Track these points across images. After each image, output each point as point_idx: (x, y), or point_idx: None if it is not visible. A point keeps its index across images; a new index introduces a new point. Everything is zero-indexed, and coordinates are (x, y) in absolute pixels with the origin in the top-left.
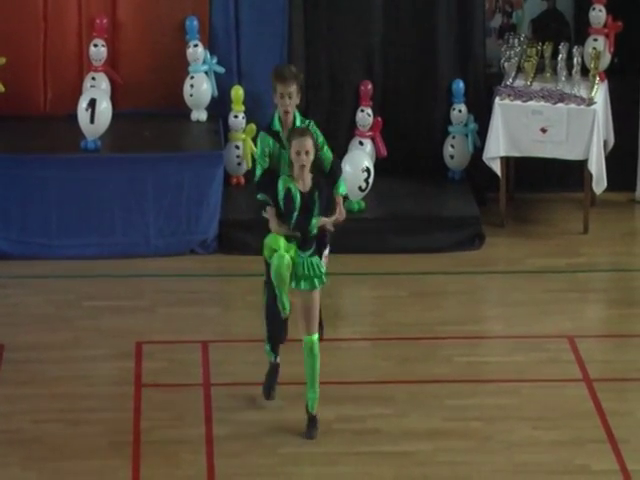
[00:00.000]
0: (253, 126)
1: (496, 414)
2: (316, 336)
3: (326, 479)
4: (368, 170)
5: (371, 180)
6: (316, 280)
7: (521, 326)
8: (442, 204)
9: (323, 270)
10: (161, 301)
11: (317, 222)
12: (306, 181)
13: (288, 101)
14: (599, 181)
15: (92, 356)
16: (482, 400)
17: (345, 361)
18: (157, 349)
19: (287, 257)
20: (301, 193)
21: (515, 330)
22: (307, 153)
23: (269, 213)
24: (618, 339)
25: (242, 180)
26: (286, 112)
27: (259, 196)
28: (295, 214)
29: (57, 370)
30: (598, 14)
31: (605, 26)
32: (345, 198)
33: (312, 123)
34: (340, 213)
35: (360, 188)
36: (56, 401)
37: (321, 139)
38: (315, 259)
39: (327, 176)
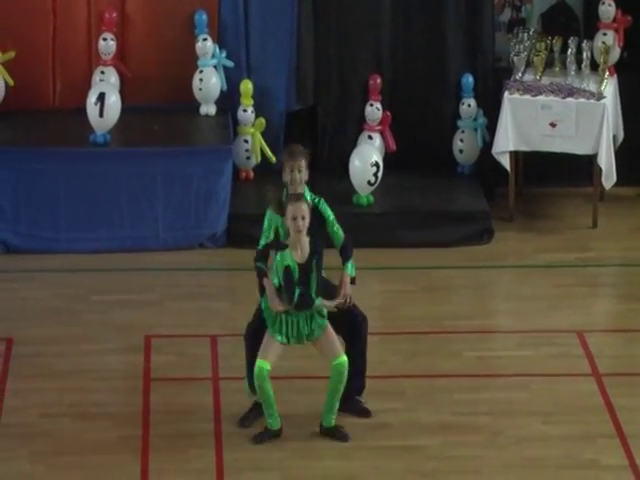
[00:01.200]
0: (262, 120)
1: (505, 409)
2: (344, 357)
3: (335, 473)
4: (377, 164)
5: (380, 174)
6: (320, 323)
7: (530, 321)
8: (451, 198)
9: (324, 312)
10: (170, 295)
11: (320, 303)
12: (304, 248)
13: (298, 175)
14: (608, 176)
15: (101, 350)
16: (491, 395)
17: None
18: (166, 343)
19: (267, 368)
20: (299, 265)
21: (524, 325)
22: (303, 218)
23: (268, 290)
24: (627, 334)
25: (251, 174)
26: (296, 185)
27: (258, 264)
28: (297, 291)
29: (66, 364)
30: (607, 8)
31: (614, 20)
32: (352, 281)
33: (322, 200)
34: (344, 296)
35: (369, 182)
36: (65, 395)
37: (332, 217)
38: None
39: (340, 253)
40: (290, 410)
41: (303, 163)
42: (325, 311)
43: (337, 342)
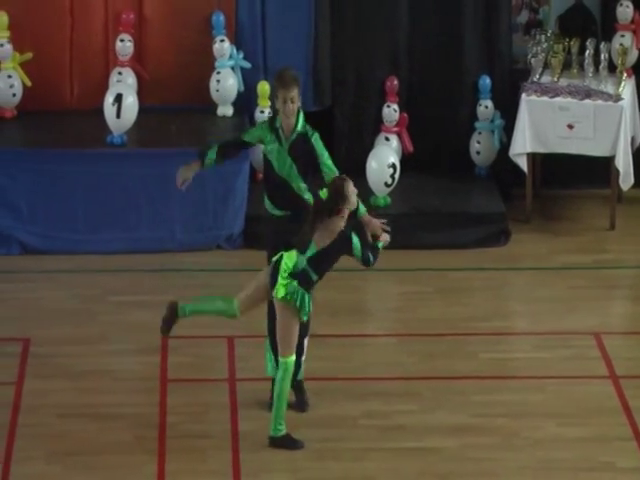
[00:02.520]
0: None
1: (521, 410)
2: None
3: (351, 475)
4: (394, 166)
5: (397, 176)
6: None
7: (547, 322)
8: (468, 200)
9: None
10: (187, 296)
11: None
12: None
13: (291, 105)
14: (626, 177)
15: (118, 351)
16: (507, 396)
17: (370, 357)
18: (183, 344)
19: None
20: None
21: (541, 326)
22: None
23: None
24: None
25: None
26: (290, 116)
27: (210, 149)
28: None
29: (83, 365)
30: (625, 10)
31: (632, 22)
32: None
33: (315, 134)
34: (376, 227)
35: (386, 184)
36: (82, 396)
37: (325, 153)
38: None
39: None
40: (306, 412)
41: (296, 92)
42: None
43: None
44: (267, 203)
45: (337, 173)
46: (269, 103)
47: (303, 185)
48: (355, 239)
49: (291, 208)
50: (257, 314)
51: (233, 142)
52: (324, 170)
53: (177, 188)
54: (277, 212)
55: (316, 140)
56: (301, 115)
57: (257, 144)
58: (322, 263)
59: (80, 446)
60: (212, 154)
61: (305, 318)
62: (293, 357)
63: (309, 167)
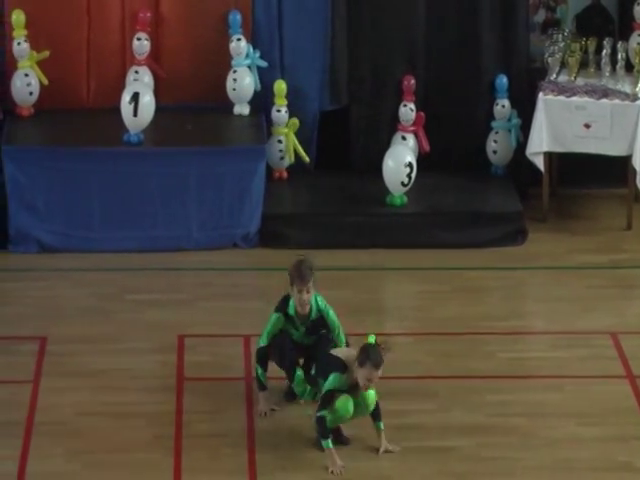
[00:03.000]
0: (296, 120)
1: (539, 410)
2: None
3: (367, 474)
4: (410, 165)
5: (413, 175)
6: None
7: (564, 322)
8: (485, 199)
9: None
10: (203, 295)
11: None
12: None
13: (307, 296)
14: None
15: (134, 349)
16: (524, 396)
17: (387, 356)
18: (199, 342)
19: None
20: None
21: (558, 326)
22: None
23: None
24: None
25: (284, 174)
26: (305, 306)
27: (258, 370)
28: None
29: (99, 363)
30: None
31: None
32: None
33: (331, 311)
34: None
35: (402, 183)
36: (99, 394)
37: (338, 327)
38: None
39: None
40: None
41: (311, 283)
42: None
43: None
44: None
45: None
46: (285, 102)
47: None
48: None
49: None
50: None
51: (263, 353)
52: (337, 342)
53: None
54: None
55: (332, 316)
56: (313, 297)
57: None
58: None
59: (97, 444)
60: (260, 372)
61: None
62: None
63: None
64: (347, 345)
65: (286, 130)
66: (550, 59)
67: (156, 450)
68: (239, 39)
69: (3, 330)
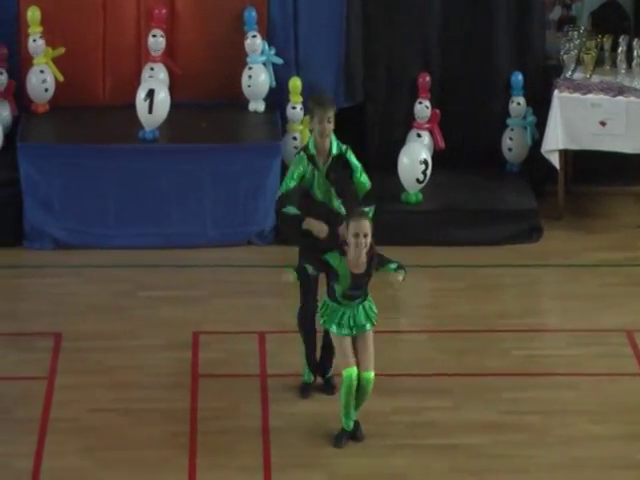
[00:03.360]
0: None
1: (553, 408)
2: (371, 374)
3: (381, 471)
4: (426, 162)
5: (429, 172)
6: (368, 325)
7: (579, 320)
8: (500, 197)
9: (374, 312)
10: (218, 292)
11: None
12: (361, 265)
13: (327, 125)
14: None
15: (149, 346)
16: (539, 393)
17: (402, 353)
18: (214, 339)
19: (355, 372)
20: (353, 274)
21: (573, 323)
22: (365, 236)
23: (311, 224)
24: None
25: None
26: (325, 136)
27: (285, 209)
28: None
29: (114, 360)
30: None
31: None
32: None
33: (349, 149)
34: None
35: (418, 180)
36: (113, 391)
37: (359, 166)
38: (366, 304)
39: (360, 201)
40: (338, 408)
41: (332, 113)
42: (376, 316)
43: (371, 358)
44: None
45: (369, 186)
46: (301, 99)
47: (338, 202)
48: None
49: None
50: (288, 309)
51: (292, 192)
52: (358, 185)
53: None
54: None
55: (350, 155)
56: (334, 139)
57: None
58: None
59: (111, 441)
60: (292, 210)
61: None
62: None
63: (346, 188)
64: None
65: (301, 127)
66: (565, 56)
67: (170, 447)
68: (254, 36)
69: (18, 326)
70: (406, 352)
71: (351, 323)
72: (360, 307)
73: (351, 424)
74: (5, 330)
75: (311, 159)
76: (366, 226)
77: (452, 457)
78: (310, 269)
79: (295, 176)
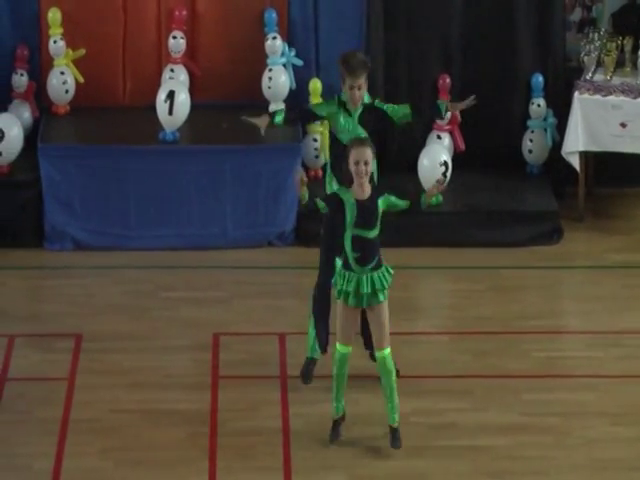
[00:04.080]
0: None
1: (574, 410)
2: (387, 350)
3: (403, 473)
4: (446, 164)
5: (449, 174)
6: (380, 295)
7: (600, 321)
8: (520, 198)
9: (387, 283)
10: (238, 293)
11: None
12: (365, 190)
13: (357, 92)
14: None
15: (169, 347)
16: (560, 395)
17: (422, 354)
18: (234, 341)
19: (349, 351)
20: (358, 202)
21: (594, 325)
22: (366, 163)
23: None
24: None
25: (320, 173)
26: (356, 101)
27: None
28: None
29: (134, 360)
30: None
31: None
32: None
33: (377, 100)
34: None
35: (438, 182)
36: (133, 391)
37: (390, 106)
38: (378, 273)
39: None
40: (358, 410)
41: (364, 79)
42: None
43: (386, 333)
44: (329, 184)
45: (408, 111)
46: (321, 100)
47: None
48: None
49: None
50: (308, 311)
51: (303, 110)
52: (392, 114)
53: (241, 119)
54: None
55: (378, 103)
56: (365, 93)
57: (325, 119)
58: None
59: (132, 442)
60: (280, 115)
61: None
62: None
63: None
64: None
65: (321, 129)
66: (586, 58)
67: (191, 448)
68: (275, 37)
69: (39, 327)
70: (426, 353)
71: (362, 290)
72: (370, 275)
73: (339, 409)
74: (26, 331)
75: (342, 105)
76: (367, 153)
77: (473, 459)
78: (321, 204)
79: (321, 107)
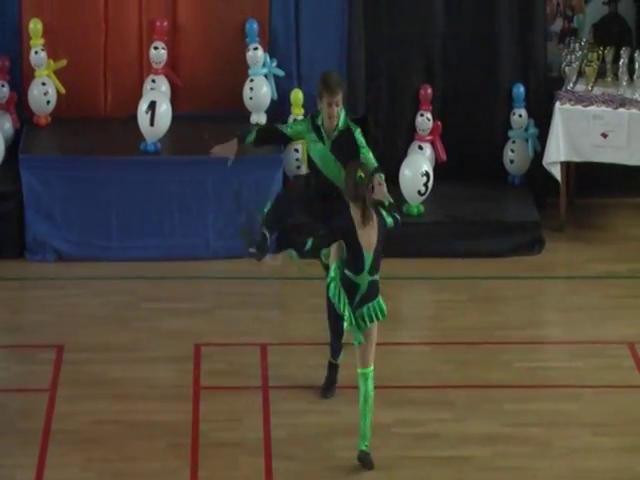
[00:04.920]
0: None
1: (556, 420)
2: (368, 370)
3: None
4: (427, 174)
5: (430, 184)
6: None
7: (581, 332)
8: (502, 209)
9: (383, 310)
10: (220, 303)
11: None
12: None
13: (335, 109)
14: None
15: (151, 358)
16: (542, 406)
17: (404, 365)
18: (216, 351)
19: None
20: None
21: (575, 336)
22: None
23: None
24: None
25: None
26: (332, 119)
27: (248, 131)
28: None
29: (116, 371)
30: None
31: None
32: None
33: (358, 130)
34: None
35: (419, 192)
36: (115, 402)
37: (364, 145)
38: (375, 304)
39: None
40: (340, 420)
41: (340, 96)
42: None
43: (370, 356)
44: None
45: (376, 166)
46: (302, 111)
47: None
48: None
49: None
50: (290, 321)
51: (273, 130)
52: (363, 159)
53: (209, 156)
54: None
55: (358, 134)
56: (342, 113)
57: (296, 139)
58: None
59: (113, 453)
60: (251, 137)
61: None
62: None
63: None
64: (377, 169)
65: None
66: (567, 68)
67: (172, 459)
68: (256, 48)
69: (20, 338)
70: (408, 364)
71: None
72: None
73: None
74: (7, 342)
75: (316, 130)
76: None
77: (455, 469)
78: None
79: (292, 126)
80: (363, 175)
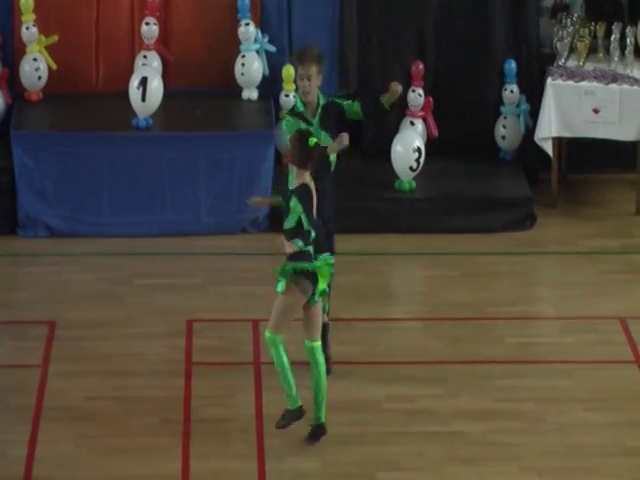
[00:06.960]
0: None
1: (548, 395)
2: (317, 343)
3: (376, 458)
4: (419, 150)
5: (422, 160)
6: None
7: (573, 307)
8: (494, 185)
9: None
10: (212, 279)
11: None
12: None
13: (307, 83)
14: None
15: (143, 334)
16: (533, 381)
17: (396, 341)
18: (208, 327)
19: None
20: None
21: (567, 311)
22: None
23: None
24: None
25: None
26: (306, 93)
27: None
28: None
29: (108, 347)
30: None
31: None
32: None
33: (336, 98)
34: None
35: (411, 168)
36: (108, 378)
37: (345, 100)
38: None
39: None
40: (332, 395)
41: (314, 69)
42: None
43: (318, 328)
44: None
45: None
46: (294, 87)
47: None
48: None
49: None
50: None
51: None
52: (347, 109)
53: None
54: None
55: (335, 99)
56: (320, 92)
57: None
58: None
59: (106, 429)
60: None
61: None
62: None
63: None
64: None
65: None
66: (559, 44)
67: (165, 435)
68: (248, 24)
69: (12, 314)
70: (400, 340)
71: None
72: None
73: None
74: None
75: (299, 116)
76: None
77: (447, 445)
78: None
79: (287, 132)
80: (315, 140)
